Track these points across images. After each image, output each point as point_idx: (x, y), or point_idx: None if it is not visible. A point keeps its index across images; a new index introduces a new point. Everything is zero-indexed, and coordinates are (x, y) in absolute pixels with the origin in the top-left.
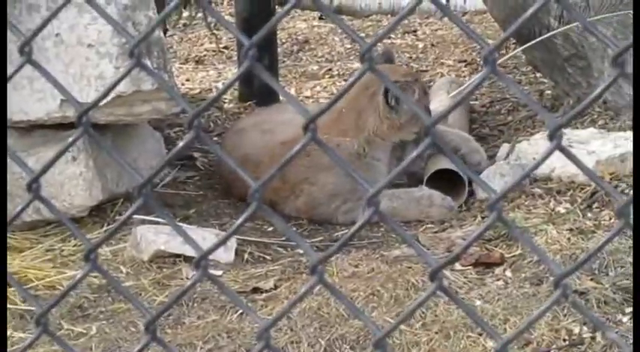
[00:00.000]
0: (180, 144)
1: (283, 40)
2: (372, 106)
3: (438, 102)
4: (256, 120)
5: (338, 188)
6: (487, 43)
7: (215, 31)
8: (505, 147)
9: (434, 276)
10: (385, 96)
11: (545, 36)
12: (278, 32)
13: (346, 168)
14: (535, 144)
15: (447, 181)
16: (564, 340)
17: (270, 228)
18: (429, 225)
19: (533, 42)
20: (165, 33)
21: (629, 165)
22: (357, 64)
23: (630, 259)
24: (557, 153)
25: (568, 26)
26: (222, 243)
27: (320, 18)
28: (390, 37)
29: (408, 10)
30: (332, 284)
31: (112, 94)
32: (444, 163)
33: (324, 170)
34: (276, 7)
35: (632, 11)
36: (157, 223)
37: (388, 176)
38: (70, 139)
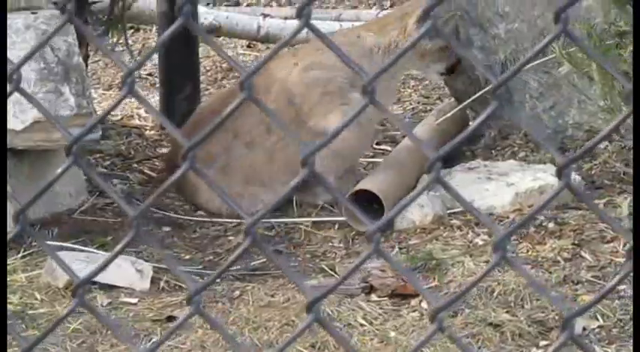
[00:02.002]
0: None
1: (208, 68)
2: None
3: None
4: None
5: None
6: (365, 73)
7: (138, 58)
8: (426, 178)
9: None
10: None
11: (483, 91)
12: (203, 60)
13: (337, 52)
14: (455, 176)
15: (367, 202)
16: None
17: (187, 256)
18: (345, 255)
19: (473, 98)
20: (86, 59)
21: (548, 197)
22: None
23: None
24: (476, 186)
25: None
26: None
27: (248, 46)
28: None
29: (289, 37)
30: (208, 315)
31: (30, 120)
32: (370, 182)
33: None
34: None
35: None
36: (74, 250)
37: (272, 204)
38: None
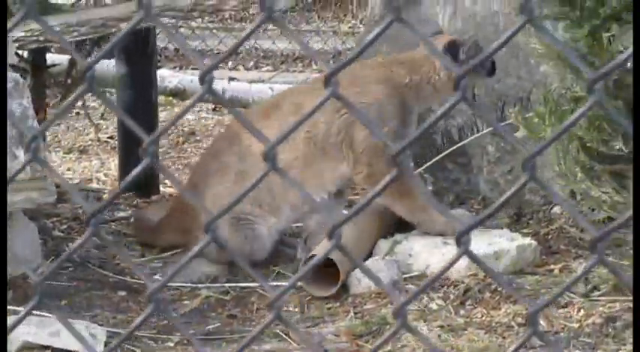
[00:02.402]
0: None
1: (169, 132)
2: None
3: None
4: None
5: None
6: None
7: (100, 121)
8: (384, 244)
9: None
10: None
11: (444, 153)
12: (164, 122)
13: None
14: (412, 242)
15: (323, 267)
16: None
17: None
18: (300, 319)
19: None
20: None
21: (504, 262)
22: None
23: None
24: (432, 251)
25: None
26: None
27: (213, 109)
28: None
29: (194, 100)
30: None
31: None
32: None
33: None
34: (158, 96)
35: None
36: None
37: (173, 271)
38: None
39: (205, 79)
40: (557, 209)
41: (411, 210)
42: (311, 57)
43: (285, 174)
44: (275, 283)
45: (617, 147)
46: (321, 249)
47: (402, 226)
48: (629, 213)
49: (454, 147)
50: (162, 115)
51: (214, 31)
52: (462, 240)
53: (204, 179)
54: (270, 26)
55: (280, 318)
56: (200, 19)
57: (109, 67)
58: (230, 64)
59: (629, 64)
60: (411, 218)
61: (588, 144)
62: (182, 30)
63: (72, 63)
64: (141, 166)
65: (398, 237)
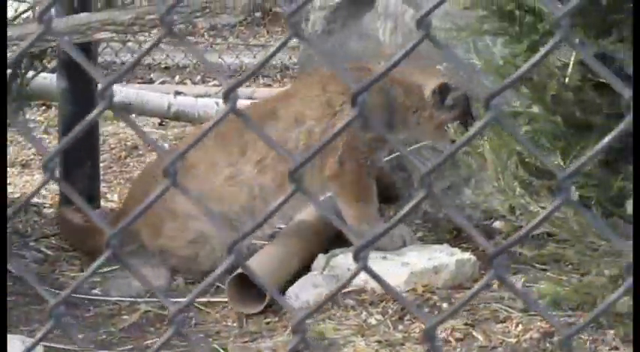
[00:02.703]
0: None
1: (113, 146)
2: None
3: None
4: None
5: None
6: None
7: (43, 135)
8: (321, 258)
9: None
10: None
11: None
12: (109, 137)
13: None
14: (350, 256)
15: (249, 284)
16: None
17: (81, 335)
18: (238, 334)
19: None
20: None
21: (443, 277)
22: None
23: None
24: (371, 266)
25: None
26: None
27: (160, 124)
28: None
29: (214, 123)
30: None
31: None
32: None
33: None
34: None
35: None
36: None
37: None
38: None
39: (230, 96)
40: (497, 224)
41: (360, 217)
42: (211, 71)
43: (186, 191)
44: (217, 299)
45: (556, 162)
46: (252, 262)
47: (340, 241)
48: (525, 230)
49: (389, 157)
50: (110, 129)
51: (161, 45)
52: (360, 255)
53: (143, 192)
54: (219, 40)
55: (180, 333)
56: (147, 33)
57: (52, 80)
58: (177, 77)
59: (567, 80)
60: (357, 225)
61: (527, 160)
62: (130, 44)
63: (14, 76)
64: (42, 183)
65: (336, 251)
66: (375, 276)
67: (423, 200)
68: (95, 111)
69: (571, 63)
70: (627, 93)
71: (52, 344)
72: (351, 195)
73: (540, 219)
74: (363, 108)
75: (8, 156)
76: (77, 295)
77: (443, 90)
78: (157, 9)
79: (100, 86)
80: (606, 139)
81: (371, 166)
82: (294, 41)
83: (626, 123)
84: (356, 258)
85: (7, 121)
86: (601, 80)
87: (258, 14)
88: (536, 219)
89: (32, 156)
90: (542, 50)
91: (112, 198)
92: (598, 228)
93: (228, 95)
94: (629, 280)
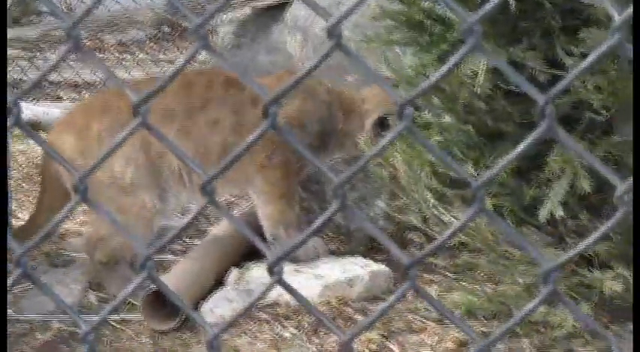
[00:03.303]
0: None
1: (23, 164)
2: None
3: None
4: None
5: None
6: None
7: None
8: (235, 272)
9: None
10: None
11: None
12: (18, 156)
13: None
14: (264, 269)
15: (162, 300)
16: None
17: None
18: (152, 351)
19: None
20: None
21: (357, 289)
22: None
23: None
24: (285, 279)
25: None
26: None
27: None
28: None
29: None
30: None
31: None
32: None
33: None
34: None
35: None
36: None
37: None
38: None
39: (140, 110)
40: (412, 235)
41: (278, 219)
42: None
43: (96, 207)
44: (130, 316)
45: (469, 172)
46: (166, 278)
47: (253, 254)
48: (439, 240)
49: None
50: (20, 147)
51: (70, 62)
52: (274, 269)
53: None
54: (128, 56)
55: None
56: (54, 50)
57: None
58: (86, 94)
59: (478, 89)
60: (273, 228)
61: (439, 170)
62: (38, 62)
63: None
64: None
65: (249, 264)
66: (289, 290)
67: (337, 212)
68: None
69: (481, 71)
70: (541, 99)
71: None
72: (275, 190)
73: (455, 230)
74: (274, 119)
75: None
76: None
77: (382, 123)
78: (63, 23)
79: (133, 102)
80: (519, 148)
81: (299, 169)
82: (204, 55)
83: (538, 131)
84: (270, 271)
85: (7, 121)
86: (512, 88)
87: (166, 29)
88: (451, 229)
89: None
90: (455, 57)
91: (22, 216)
92: (512, 237)
93: (138, 108)
94: (546, 289)
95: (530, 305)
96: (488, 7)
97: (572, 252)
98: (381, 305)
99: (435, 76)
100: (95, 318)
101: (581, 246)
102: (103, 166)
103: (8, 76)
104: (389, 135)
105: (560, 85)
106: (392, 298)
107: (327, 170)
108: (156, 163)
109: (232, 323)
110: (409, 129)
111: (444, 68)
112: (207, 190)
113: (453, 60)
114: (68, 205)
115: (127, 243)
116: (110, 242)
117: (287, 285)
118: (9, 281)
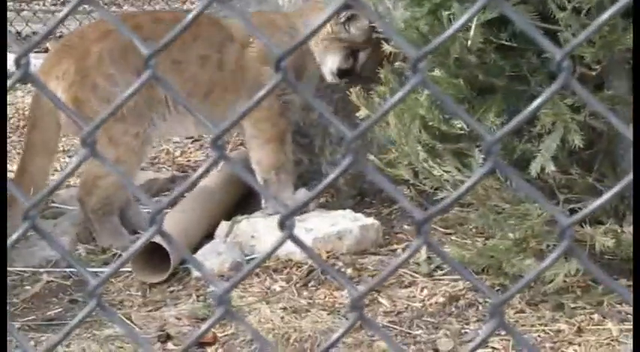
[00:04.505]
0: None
1: (10, 115)
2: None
3: None
4: None
5: None
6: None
7: None
8: (224, 225)
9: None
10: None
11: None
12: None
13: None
14: (254, 223)
15: (151, 252)
16: None
17: None
18: (142, 303)
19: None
20: None
21: (347, 242)
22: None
23: None
24: (275, 232)
25: None
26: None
27: None
28: None
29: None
30: None
31: None
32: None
33: None
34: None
35: None
36: None
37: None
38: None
39: (21, 62)
40: (402, 188)
41: (269, 164)
42: (128, 36)
43: (104, 159)
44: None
45: (459, 126)
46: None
47: (242, 206)
48: (457, 193)
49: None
50: (8, 99)
51: (56, 14)
52: (286, 223)
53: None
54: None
55: (101, 306)
56: (42, 2)
57: None
58: None
59: (469, 42)
60: (264, 173)
61: (430, 124)
62: (25, 13)
63: None
64: None
65: (238, 217)
66: (300, 245)
67: (351, 166)
68: (12, 80)
69: (473, 25)
70: (558, 54)
71: None
72: (263, 135)
73: (469, 185)
74: (285, 72)
75: None
76: None
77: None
78: None
79: (15, 55)
80: (536, 102)
81: (284, 111)
82: (190, 4)
83: (556, 85)
84: (282, 226)
85: (6, 120)
86: (503, 43)
87: None
88: (465, 185)
89: None
90: (471, 10)
91: (11, 168)
92: (527, 191)
93: (149, 61)
94: (562, 244)
95: (547, 261)
96: None
97: (587, 210)
98: (395, 261)
99: (450, 30)
100: (106, 271)
101: (597, 203)
102: (99, 95)
103: None
104: (404, 89)
105: (577, 40)
106: (405, 254)
107: (338, 123)
108: (147, 92)
109: (242, 279)
110: (424, 82)
111: (460, 22)
112: (217, 144)
113: (469, 12)
114: (76, 158)
115: (121, 187)
116: (105, 186)
117: (298, 240)
118: (16, 234)
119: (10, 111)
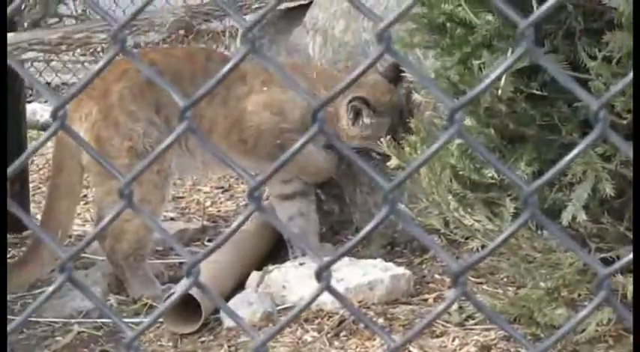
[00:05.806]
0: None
1: (40, 166)
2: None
3: None
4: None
5: None
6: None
7: None
8: (255, 275)
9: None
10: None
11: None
12: (36, 158)
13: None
14: (285, 273)
15: (183, 303)
16: None
17: None
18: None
19: None
20: None
21: (378, 292)
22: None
23: None
24: (307, 282)
25: None
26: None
27: None
28: None
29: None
30: None
31: None
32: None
33: None
34: (28, 131)
35: None
36: None
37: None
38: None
39: (58, 114)
40: (430, 238)
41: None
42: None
43: (140, 211)
44: (143, 319)
45: (490, 175)
46: (181, 285)
47: (274, 256)
48: (494, 244)
49: None
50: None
51: (85, 63)
52: (322, 275)
53: None
54: None
55: None
56: (71, 53)
57: None
58: None
59: (499, 92)
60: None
61: (460, 173)
62: (54, 63)
63: None
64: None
65: (269, 267)
66: (337, 296)
67: (387, 217)
68: (48, 133)
69: (504, 75)
70: (595, 104)
71: None
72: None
73: (506, 235)
74: (322, 123)
75: None
76: (10, 317)
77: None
78: (111, 26)
79: (51, 106)
80: (573, 153)
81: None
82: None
83: (593, 135)
84: (318, 277)
85: (7, 120)
86: (533, 92)
87: (181, 32)
88: (502, 235)
89: None
90: (508, 60)
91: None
92: (563, 242)
93: (185, 113)
94: (600, 295)
95: (584, 312)
96: (539, 11)
97: (623, 260)
98: (433, 311)
99: (486, 81)
100: (144, 321)
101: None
102: (122, 132)
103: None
104: (440, 139)
105: (614, 90)
106: (442, 305)
107: (376, 175)
108: (167, 127)
109: (279, 331)
110: (460, 133)
111: (496, 72)
112: (254, 196)
113: (505, 64)
114: (115, 210)
115: (150, 229)
116: (134, 229)
117: (335, 291)
118: (53, 287)
119: (40, 161)
